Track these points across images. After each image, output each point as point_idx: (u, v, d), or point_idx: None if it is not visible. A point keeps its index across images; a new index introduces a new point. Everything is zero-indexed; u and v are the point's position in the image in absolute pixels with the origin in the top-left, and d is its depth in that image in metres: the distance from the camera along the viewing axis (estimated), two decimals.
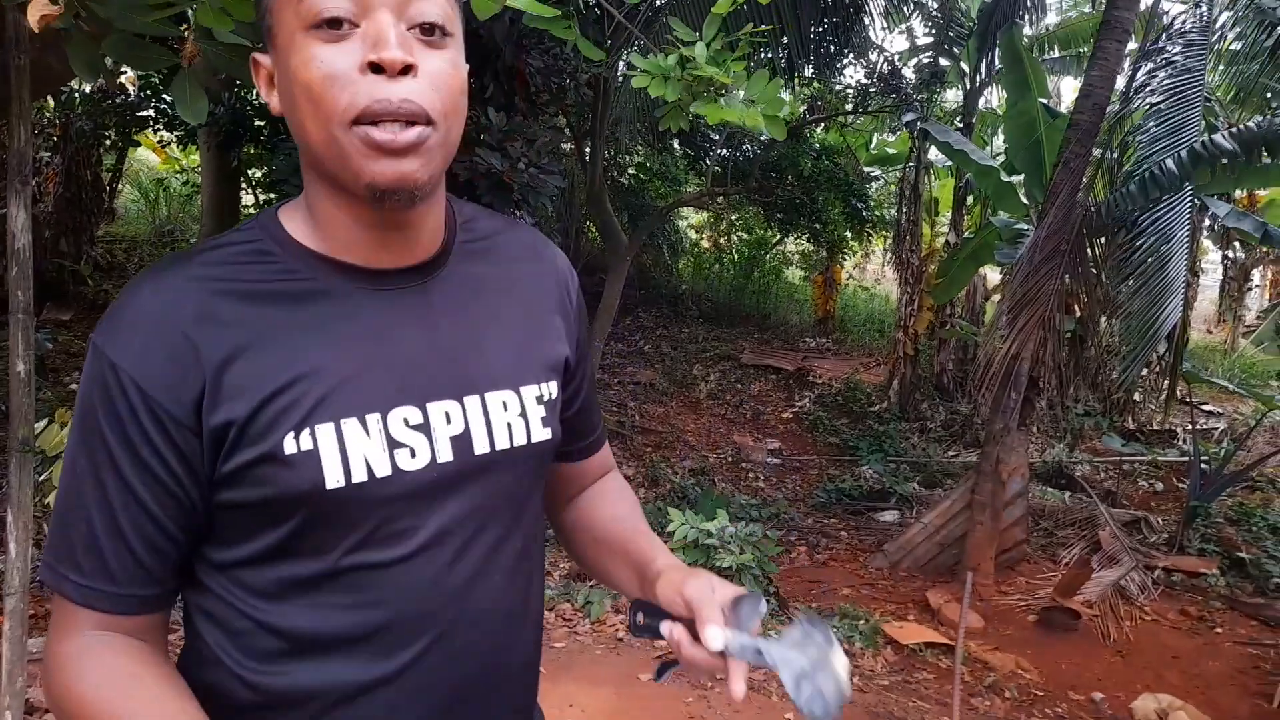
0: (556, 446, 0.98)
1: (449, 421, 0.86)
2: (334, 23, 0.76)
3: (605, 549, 1.06)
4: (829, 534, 5.93)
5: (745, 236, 13.39)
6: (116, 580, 0.80)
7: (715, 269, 13.56)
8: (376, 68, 0.75)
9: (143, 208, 11.24)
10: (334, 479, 0.80)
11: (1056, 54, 10.24)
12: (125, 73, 7.72)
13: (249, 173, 7.71)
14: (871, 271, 17.73)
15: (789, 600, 4.44)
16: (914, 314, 8.68)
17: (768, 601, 4.22)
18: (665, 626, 0.88)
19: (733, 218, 12.89)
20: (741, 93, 1.80)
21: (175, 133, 7.64)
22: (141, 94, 7.06)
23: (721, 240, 13.81)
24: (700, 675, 0.80)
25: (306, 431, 0.79)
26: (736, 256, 13.56)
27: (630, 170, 10.67)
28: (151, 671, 0.81)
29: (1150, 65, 5.05)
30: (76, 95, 7.17)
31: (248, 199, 8.33)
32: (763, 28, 1.77)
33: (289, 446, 0.79)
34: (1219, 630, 4.71)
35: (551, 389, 0.96)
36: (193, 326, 0.78)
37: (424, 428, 0.84)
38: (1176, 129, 4.67)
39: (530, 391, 0.92)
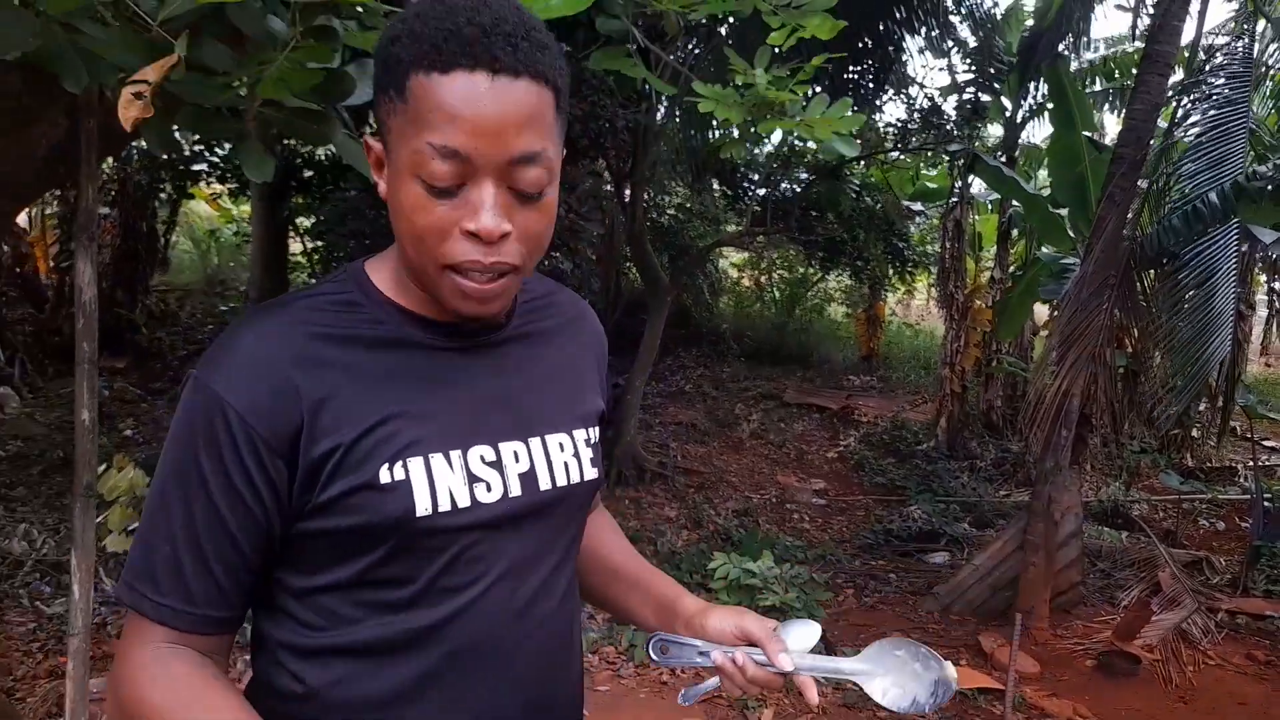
0: (600, 486, 1.07)
1: (517, 460, 0.95)
2: (442, 179, 0.82)
3: (621, 583, 1.17)
4: (877, 576, 5.83)
5: (786, 274, 13.37)
6: (194, 600, 0.86)
7: (756, 307, 13.54)
8: (474, 234, 0.83)
9: (195, 258, 11.58)
10: (423, 507, 0.87)
11: (1099, 87, 10.18)
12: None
13: (297, 222, 7.92)
14: (916, 308, 17.58)
15: (835, 645, 4.35)
16: (961, 350, 8.55)
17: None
18: (717, 655, 1.00)
19: (773, 256, 12.89)
20: (799, 118, 1.82)
21: (227, 185, 7.89)
22: (194, 149, 7.33)
23: (762, 279, 13.80)
24: (748, 692, 0.97)
25: (400, 463, 0.87)
26: (777, 294, 13.53)
27: (670, 211, 10.76)
28: (219, 684, 0.87)
29: (1192, 98, 5.00)
30: (135, 152, 7.46)
31: (295, 247, 8.55)
32: (834, 55, 1.78)
33: (384, 476, 0.86)
34: None
35: (594, 434, 1.06)
36: (293, 367, 0.85)
37: (497, 465, 0.93)
38: (1219, 161, 4.60)
39: (580, 435, 1.02)
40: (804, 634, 0.98)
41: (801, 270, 12.81)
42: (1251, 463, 7.49)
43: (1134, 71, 6.86)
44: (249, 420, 0.83)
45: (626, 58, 1.63)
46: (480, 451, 0.91)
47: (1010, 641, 3.70)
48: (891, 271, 10.07)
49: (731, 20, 5.84)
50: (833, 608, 4.87)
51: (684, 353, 10.67)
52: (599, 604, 1.21)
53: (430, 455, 0.88)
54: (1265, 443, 9.18)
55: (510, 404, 0.96)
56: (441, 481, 0.88)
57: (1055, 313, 6.76)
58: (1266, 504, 5.92)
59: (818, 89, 6.33)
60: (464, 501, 0.89)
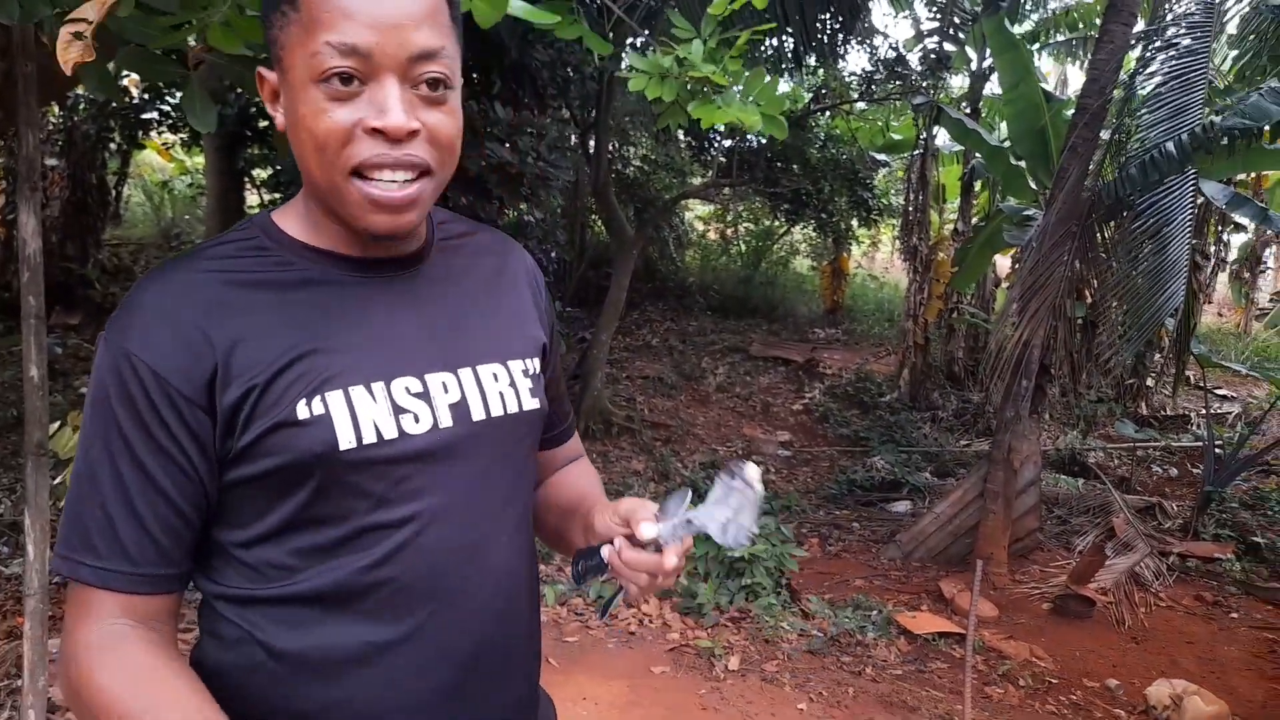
0: (545, 417, 1.06)
1: (447, 391, 0.92)
2: (344, 79, 0.80)
3: (565, 517, 1.12)
4: (841, 525, 5.93)
5: (752, 227, 13.35)
6: (134, 560, 0.83)
7: (722, 260, 13.53)
8: (380, 131, 0.81)
9: (148, 210, 11.27)
10: (346, 440, 0.85)
11: (1064, 37, 10.18)
12: (127, 75, 7.74)
13: (253, 173, 7.72)
14: (880, 260, 17.69)
15: (800, 592, 4.44)
16: (924, 302, 8.63)
17: (779, 589, 4.23)
18: (605, 550, 0.97)
19: (739, 209, 12.85)
20: (738, 90, 1.78)
21: (179, 135, 7.65)
22: (144, 97, 7.08)
23: (728, 231, 13.77)
24: (644, 590, 0.89)
25: (318, 398, 0.85)
26: (743, 247, 13.52)
27: (635, 162, 10.65)
28: (169, 666, 0.83)
29: (1153, 47, 5.00)
30: (81, 100, 7.19)
31: (252, 199, 8.35)
32: (762, 27, 1.76)
33: (302, 412, 0.84)
34: (1234, 615, 4.69)
35: (534, 364, 1.03)
36: (201, 315, 0.83)
37: (424, 396, 0.90)
38: (1178, 112, 4.62)
39: (516, 365, 1.00)
40: (678, 503, 0.96)
41: (767, 223, 12.79)
42: (1204, 410, 7.68)
43: (1098, 21, 6.85)
44: (161, 373, 0.81)
45: (565, 18, 1.59)
46: (405, 383, 0.89)
47: (970, 587, 3.79)
48: (856, 222, 10.08)
49: None
50: (797, 558, 4.94)
51: (650, 306, 10.65)
52: (559, 547, 1.15)
53: (350, 388, 0.86)
54: (1217, 391, 9.42)
55: (435, 336, 0.94)
56: (364, 413, 0.86)
57: (1017, 264, 6.83)
58: (1218, 450, 6.09)
59: (788, 37, 6.24)
60: (390, 433, 0.87)
